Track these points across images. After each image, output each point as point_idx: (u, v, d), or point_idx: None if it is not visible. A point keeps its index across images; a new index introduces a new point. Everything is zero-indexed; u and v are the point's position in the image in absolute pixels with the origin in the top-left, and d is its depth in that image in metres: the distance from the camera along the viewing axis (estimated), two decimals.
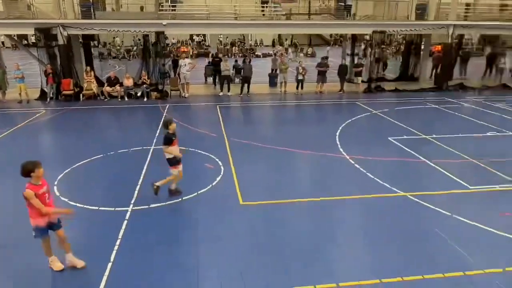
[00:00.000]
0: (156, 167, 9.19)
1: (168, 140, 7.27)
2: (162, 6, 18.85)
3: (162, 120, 7.61)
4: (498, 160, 9.74)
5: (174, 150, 7.33)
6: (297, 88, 18.56)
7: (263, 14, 19.33)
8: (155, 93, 17.47)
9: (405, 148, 10.73)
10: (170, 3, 18.97)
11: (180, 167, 7.60)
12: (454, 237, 6.35)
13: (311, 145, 10.96)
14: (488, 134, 12.14)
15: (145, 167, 9.26)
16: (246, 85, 18.20)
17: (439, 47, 23.08)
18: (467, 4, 20.96)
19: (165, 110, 15.13)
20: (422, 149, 10.59)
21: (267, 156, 10.27)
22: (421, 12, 19.40)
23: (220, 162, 9.54)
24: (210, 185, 8.25)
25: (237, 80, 20.04)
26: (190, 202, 7.59)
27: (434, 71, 22.25)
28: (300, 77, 18.35)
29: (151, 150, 10.43)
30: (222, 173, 8.92)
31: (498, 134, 12.15)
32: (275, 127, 13.82)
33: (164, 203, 7.47)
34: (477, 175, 8.91)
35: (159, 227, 6.68)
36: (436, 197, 7.81)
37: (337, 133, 12.10)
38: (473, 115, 14.61)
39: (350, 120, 13.76)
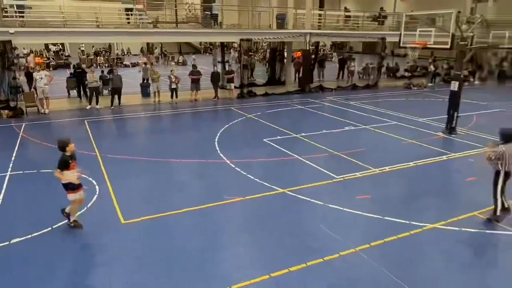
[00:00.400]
0: (17, 197, 7.99)
1: (64, 164, 6.30)
2: (7, 11, 16.51)
3: (56, 142, 6.43)
4: (356, 150, 11.15)
5: (69, 176, 6.36)
6: (171, 97, 18.29)
7: (128, 22, 18.49)
8: (7, 111, 15.20)
9: (279, 147, 11.47)
10: (17, 8, 16.72)
11: (81, 192, 6.70)
12: (329, 223, 7.03)
13: (191, 153, 10.90)
14: (346, 128, 13.80)
15: (0, 198, 7.96)
16: (116, 96, 17.20)
17: (299, 53, 25.38)
18: (319, 15, 23.51)
19: (21, 130, 13.29)
20: (294, 147, 11.47)
21: (147, 169, 9.85)
22: (281, 21, 21.07)
23: (94, 181, 8.76)
24: (85, 208, 7.51)
25: (105, 91, 18.77)
26: (63, 230, 6.79)
27: (297, 75, 24.43)
28: (173, 86, 18.14)
29: (7, 177, 9.03)
30: (97, 193, 8.22)
31: (354, 128, 13.92)
32: (152, 139, 13.33)
33: (30, 235, 6.52)
34: (340, 165, 10.04)
35: (27, 265, 5.80)
36: (310, 189, 8.53)
37: (216, 139, 12.29)
38: (333, 112, 16.46)
39: (227, 125, 14.12)
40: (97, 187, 8.50)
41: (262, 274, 5.57)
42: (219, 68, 20.99)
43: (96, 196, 8.08)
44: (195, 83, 18.59)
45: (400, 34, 14.19)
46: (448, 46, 12.40)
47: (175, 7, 24.95)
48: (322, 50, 42.06)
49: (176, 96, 18.36)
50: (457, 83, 12.78)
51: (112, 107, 17.11)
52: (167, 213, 7.40)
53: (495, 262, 6.15)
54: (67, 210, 6.75)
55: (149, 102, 18.52)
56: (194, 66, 19.30)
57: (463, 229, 6.89)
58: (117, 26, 17.75)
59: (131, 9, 17.95)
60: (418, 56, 14.63)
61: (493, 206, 7.15)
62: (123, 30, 17.47)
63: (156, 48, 44.53)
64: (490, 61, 27.93)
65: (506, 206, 7.02)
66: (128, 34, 17.63)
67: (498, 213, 7.04)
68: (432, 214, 7.48)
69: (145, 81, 20.46)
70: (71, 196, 6.57)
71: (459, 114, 13.17)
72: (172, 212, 7.43)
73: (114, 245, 6.34)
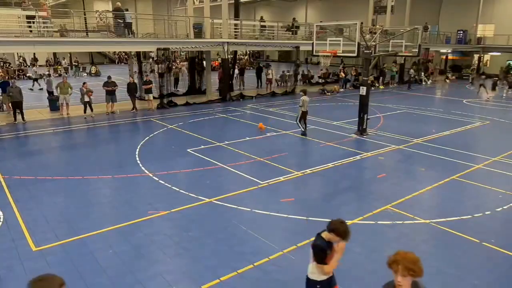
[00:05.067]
0: None
1: (321, 255, 4.05)
2: None
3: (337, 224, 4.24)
4: (278, 155, 11.49)
5: (326, 269, 4.08)
6: (84, 111, 17.17)
7: (31, 31, 16.95)
8: None
9: (203, 157, 11.36)
10: None
11: None
12: (256, 229, 7.12)
13: (110, 169, 10.30)
14: (268, 134, 14.16)
15: None
16: (18, 111, 15.71)
17: (217, 62, 25.56)
18: (235, 25, 23.92)
19: None
20: (218, 156, 11.45)
21: (62, 189, 9.06)
22: (198, 30, 21.02)
23: None
24: None
25: (5, 107, 17.01)
26: None
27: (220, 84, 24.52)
28: (86, 99, 17.07)
29: None
30: (1, 220, 7.35)
31: (275, 133, 14.34)
32: (65, 156, 12.28)
33: None
34: (264, 171, 10.25)
35: None
36: (236, 197, 8.57)
37: (137, 152, 11.78)
38: (254, 120, 16.78)
39: (147, 138, 13.62)
40: (0, 213, 7.60)
41: (193, 287, 5.43)
42: (135, 78, 20.20)
43: None
44: (110, 95, 17.68)
45: (313, 43, 15.02)
46: (355, 54, 13.43)
47: (84, 14, 23.56)
48: (240, 59, 42.94)
49: (91, 110, 17.30)
50: (365, 88, 13.89)
51: (16, 123, 15.56)
52: (86, 234, 6.88)
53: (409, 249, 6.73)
54: None
55: (59, 116, 17.16)
56: (108, 77, 18.33)
57: (378, 222, 7.46)
58: (18, 35, 16.19)
59: (33, 17, 16.47)
60: (330, 64, 15.61)
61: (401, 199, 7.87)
62: (25, 40, 15.99)
63: (64, 58, 41.58)
64: (391, 67, 30.91)
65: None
66: (31, 43, 16.16)
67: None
68: (351, 210, 7.98)
69: (51, 94, 18.98)
70: None
71: (369, 117, 14.31)
72: (91, 233, 6.92)
73: (24, 276, 5.70)
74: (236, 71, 27.09)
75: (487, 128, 15.77)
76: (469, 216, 7.75)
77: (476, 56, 37.76)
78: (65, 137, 14.50)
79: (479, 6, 35.75)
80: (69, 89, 17.21)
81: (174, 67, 24.81)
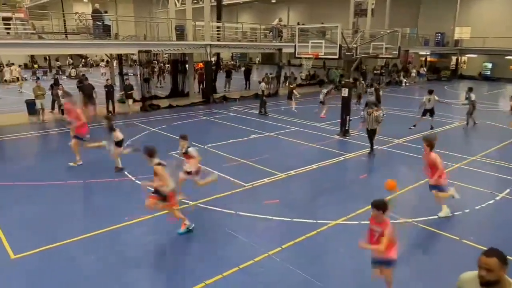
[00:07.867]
0: None
1: None
2: None
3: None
4: (262, 157, 11.50)
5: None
6: (62, 113, 16.84)
7: (8, 33, 16.53)
8: None
9: None
10: None
11: None
12: (241, 231, 7.10)
13: (88, 174, 10.09)
14: (252, 136, 14.16)
15: None
16: None
17: (201, 64, 25.46)
18: (218, 27, 23.89)
19: None
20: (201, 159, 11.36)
21: (39, 195, 8.83)
22: (180, 33, 20.90)
23: None
24: None
25: None
26: None
27: (201, 86, 24.45)
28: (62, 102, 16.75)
29: None
30: None
31: (258, 135, 14.35)
32: (40, 161, 11.91)
33: None
34: (249, 173, 10.24)
35: None
36: (220, 199, 8.53)
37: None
38: (238, 122, 16.76)
39: (129, 141, 13.43)
40: None
41: None
42: (117, 81, 19.94)
43: None
44: (89, 98, 17.35)
45: (295, 45, 15.11)
46: (336, 56, 13.57)
47: (63, 16, 23.13)
48: (227, 61, 42.91)
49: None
50: (347, 89, 14.05)
51: None
52: (67, 240, 6.72)
53: None
54: None
55: (35, 121, 16.73)
56: (86, 78, 18.01)
57: (362, 222, 7.54)
58: None
59: (9, 18, 16.06)
60: (312, 66, 15.74)
61: None
62: (2, 42, 15.58)
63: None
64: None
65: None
66: (7, 45, 15.75)
67: None
68: (335, 211, 8.05)
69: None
70: None
71: (351, 118, 14.48)
72: (73, 239, 6.77)
73: (4, 284, 5.54)
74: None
75: (464, 128, 16.14)
76: (449, 215, 7.92)
77: (453, 58, 38.70)
78: (41, 142, 14.14)
79: (456, 9, 36.69)
80: (43, 93, 16.74)
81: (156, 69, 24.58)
